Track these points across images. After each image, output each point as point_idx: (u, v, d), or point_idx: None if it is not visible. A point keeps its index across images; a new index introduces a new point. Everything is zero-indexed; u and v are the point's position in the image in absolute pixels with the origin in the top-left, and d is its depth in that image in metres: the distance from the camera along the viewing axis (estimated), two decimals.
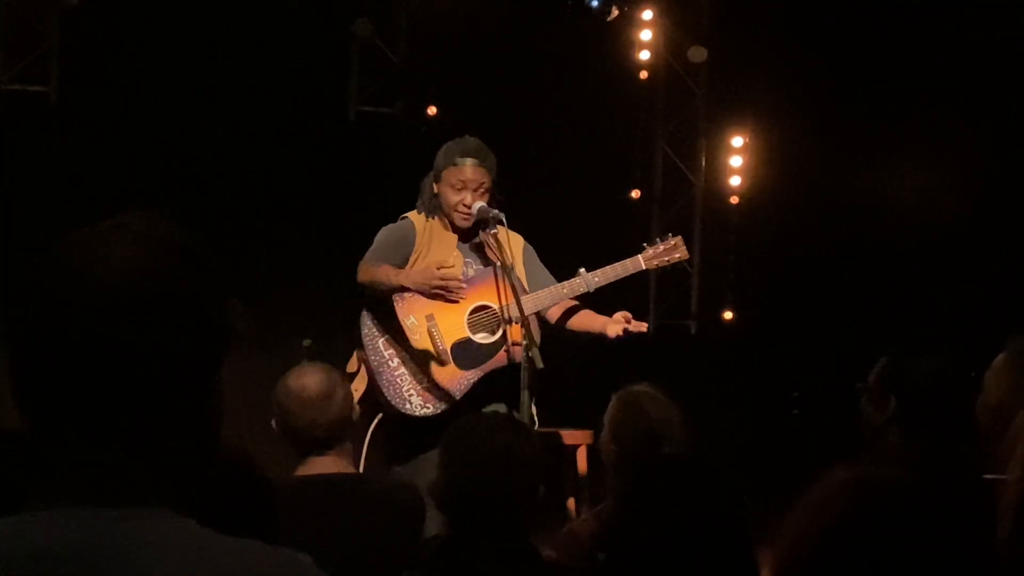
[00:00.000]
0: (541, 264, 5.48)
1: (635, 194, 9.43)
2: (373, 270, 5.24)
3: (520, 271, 5.38)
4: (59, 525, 1.28)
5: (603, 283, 5.35)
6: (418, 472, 4.73)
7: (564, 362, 5.37)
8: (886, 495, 1.55)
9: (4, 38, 7.98)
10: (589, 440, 6.39)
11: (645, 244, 5.51)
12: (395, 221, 5.44)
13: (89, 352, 1.29)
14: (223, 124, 8.02)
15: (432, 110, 8.65)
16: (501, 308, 5.22)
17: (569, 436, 6.53)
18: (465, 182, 5.23)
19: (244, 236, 7.66)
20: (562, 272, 5.45)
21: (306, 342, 4.60)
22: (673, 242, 5.55)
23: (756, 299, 9.19)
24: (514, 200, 5.43)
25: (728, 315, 9.40)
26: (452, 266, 5.29)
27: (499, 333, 5.24)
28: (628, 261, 5.43)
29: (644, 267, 5.46)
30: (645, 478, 2.53)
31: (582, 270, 5.34)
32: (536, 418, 5.11)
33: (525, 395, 5.04)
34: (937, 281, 8.51)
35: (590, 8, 8.79)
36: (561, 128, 8.79)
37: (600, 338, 5.34)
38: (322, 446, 3.65)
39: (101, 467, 1.31)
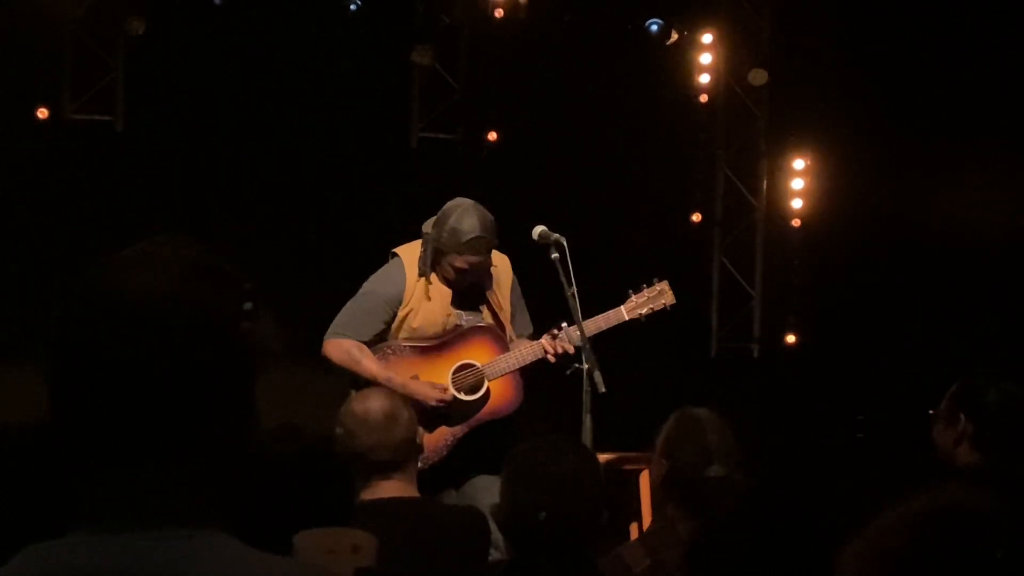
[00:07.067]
0: (523, 303, 5.44)
1: (696, 217, 9.40)
2: (355, 359, 5.21)
3: (505, 297, 5.37)
4: (108, 547, 1.30)
5: (586, 337, 5.19)
6: None
7: (626, 386, 5.35)
8: (972, 527, 1.52)
9: (71, 68, 8.11)
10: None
11: (631, 292, 5.40)
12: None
13: (123, 375, 1.31)
14: (286, 151, 8.09)
15: (493, 136, 8.68)
16: (484, 365, 5.25)
17: (631, 460, 6.50)
18: (468, 271, 5.20)
19: (308, 262, 7.72)
20: (616, 299, 5.41)
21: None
22: (659, 288, 5.43)
23: (819, 322, 9.12)
24: (575, 224, 5.42)
25: (791, 338, 9.33)
26: (446, 389, 5.23)
27: (482, 390, 5.27)
28: (611, 312, 5.35)
29: (627, 318, 5.37)
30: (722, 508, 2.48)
31: (564, 324, 5.26)
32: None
33: (587, 419, 5.04)
34: (1005, 303, 8.41)
35: (650, 32, 8.79)
36: (621, 152, 8.78)
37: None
38: (387, 469, 3.66)
39: (144, 488, 1.32)
